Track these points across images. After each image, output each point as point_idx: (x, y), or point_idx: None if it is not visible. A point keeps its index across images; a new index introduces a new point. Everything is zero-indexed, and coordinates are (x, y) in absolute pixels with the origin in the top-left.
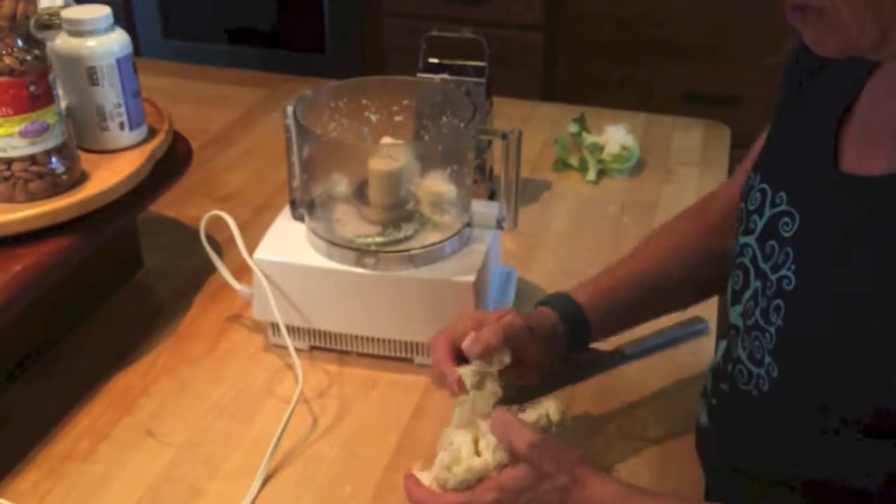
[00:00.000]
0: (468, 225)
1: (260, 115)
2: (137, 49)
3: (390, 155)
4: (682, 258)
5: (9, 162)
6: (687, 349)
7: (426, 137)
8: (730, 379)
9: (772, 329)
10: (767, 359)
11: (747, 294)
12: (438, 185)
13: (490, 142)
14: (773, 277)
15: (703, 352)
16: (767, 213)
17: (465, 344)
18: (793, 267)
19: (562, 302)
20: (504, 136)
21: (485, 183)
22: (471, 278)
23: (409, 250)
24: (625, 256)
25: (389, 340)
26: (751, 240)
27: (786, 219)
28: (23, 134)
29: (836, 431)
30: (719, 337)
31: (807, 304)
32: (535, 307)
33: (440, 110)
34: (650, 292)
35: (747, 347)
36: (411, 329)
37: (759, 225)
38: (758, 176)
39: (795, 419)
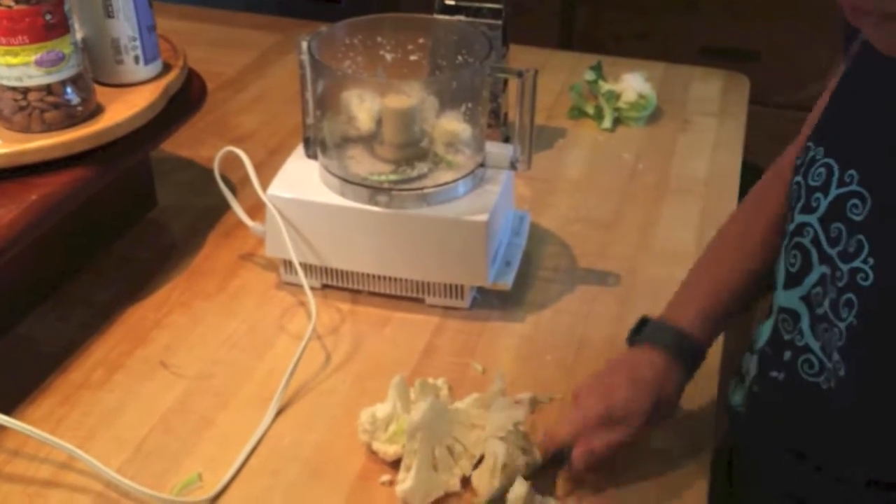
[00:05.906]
0: (482, 165)
1: (275, 59)
2: None
3: (404, 92)
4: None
5: (25, 91)
6: None
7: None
8: (787, 367)
9: (842, 325)
10: (836, 356)
11: (811, 278)
12: (453, 124)
13: (505, 86)
14: (845, 268)
15: None
16: (833, 191)
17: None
18: (870, 261)
19: (675, 343)
20: (520, 75)
21: (499, 128)
22: (483, 218)
23: (422, 189)
24: (711, 258)
25: (401, 279)
26: (811, 219)
27: (855, 200)
28: (39, 63)
29: None
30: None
31: (886, 303)
32: (635, 343)
33: (456, 49)
34: (750, 292)
35: (820, 338)
36: (423, 268)
37: (823, 204)
38: (821, 148)
39: (857, 419)
